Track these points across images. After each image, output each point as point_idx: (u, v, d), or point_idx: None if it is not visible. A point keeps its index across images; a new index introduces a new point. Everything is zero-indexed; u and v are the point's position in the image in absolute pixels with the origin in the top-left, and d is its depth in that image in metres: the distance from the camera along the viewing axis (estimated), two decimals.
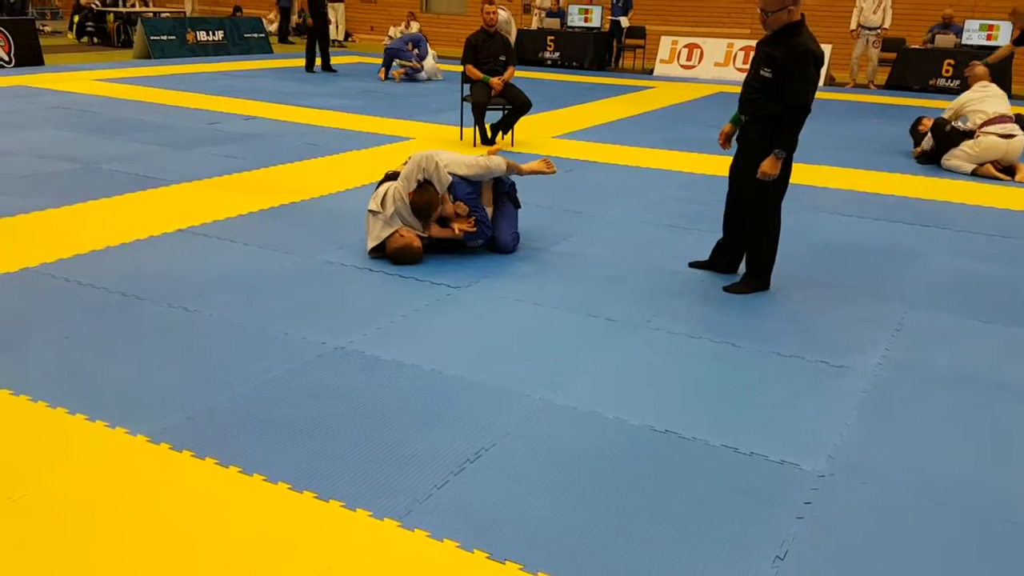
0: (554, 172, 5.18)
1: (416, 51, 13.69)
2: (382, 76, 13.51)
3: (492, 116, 8.15)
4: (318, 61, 14.05)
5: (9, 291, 4.05)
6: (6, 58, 13.08)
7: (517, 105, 7.93)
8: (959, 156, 7.56)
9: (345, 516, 2.42)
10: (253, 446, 2.77)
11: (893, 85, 14.08)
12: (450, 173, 4.65)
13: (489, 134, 8.13)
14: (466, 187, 4.71)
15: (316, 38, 13.96)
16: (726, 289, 4.36)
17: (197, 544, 2.28)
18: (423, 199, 4.52)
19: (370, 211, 4.64)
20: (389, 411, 3.04)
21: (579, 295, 4.25)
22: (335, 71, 14.14)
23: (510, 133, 8.22)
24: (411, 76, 13.58)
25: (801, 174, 7.26)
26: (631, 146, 8.41)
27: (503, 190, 4.96)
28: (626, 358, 3.57)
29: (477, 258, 4.76)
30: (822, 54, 3.96)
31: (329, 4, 19.12)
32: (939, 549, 2.40)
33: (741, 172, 4.28)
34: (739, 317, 4.04)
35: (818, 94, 10.78)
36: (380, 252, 4.62)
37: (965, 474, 2.78)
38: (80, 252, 4.61)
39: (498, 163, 4.82)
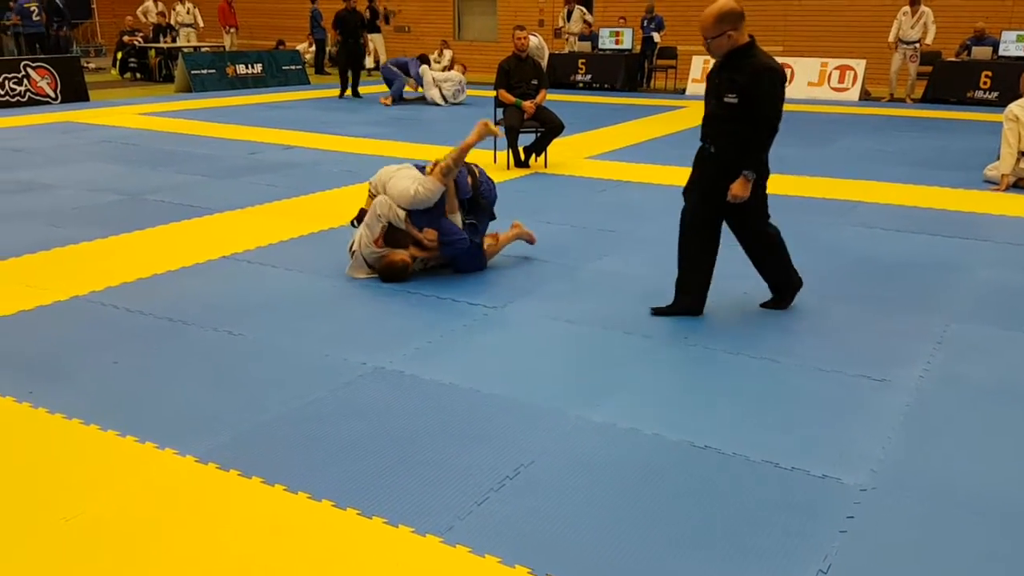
0: (498, 135, 5.18)
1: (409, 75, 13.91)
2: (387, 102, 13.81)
3: (525, 139, 8.23)
4: (348, 92, 14.46)
5: (61, 319, 4.17)
6: (53, 95, 13.49)
7: (550, 127, 8.01)
8: (996, 166, 7.45)
9: (388, 532, 2.46)
10: (297, 465, 2.82)
11: (930, 98, 13.94)
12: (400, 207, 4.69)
13: (523, 157, 8.21)
14: (422, 215, 4.71)
15: (348, 64, 14.33)
16: (764, 305, 4.34)
17: (245, 561, 2.33)
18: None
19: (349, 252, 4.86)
20: (428, 429, 3.08)
21: (615, 313, 4.27)
22: (360, 97, 14.51)
23: (543, 155, 8.29)
24: (402, 97, 13.96)
25: (839, 189, 7.23)
26: (664, 165, 8.42)
27: (479, 203, 4.96)
28: (664, 375, 3.58)
29: (512, 278, 4.80)
30: (783, 71, 3.84)
31: (368, 34, 19.53)
32: (983, 562, 2.36)
33: (732, 207, 4.06)
34: (778, 333, 4.02)
35: (855, 109, 10.69)
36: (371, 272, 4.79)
37: (1009, 487, 2.74)
38: (127, 280, 4.73)
39: (430, 188, 4.63)
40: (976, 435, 3.07)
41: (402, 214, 4.68)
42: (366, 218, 4.75)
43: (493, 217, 5.12)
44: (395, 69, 13.97)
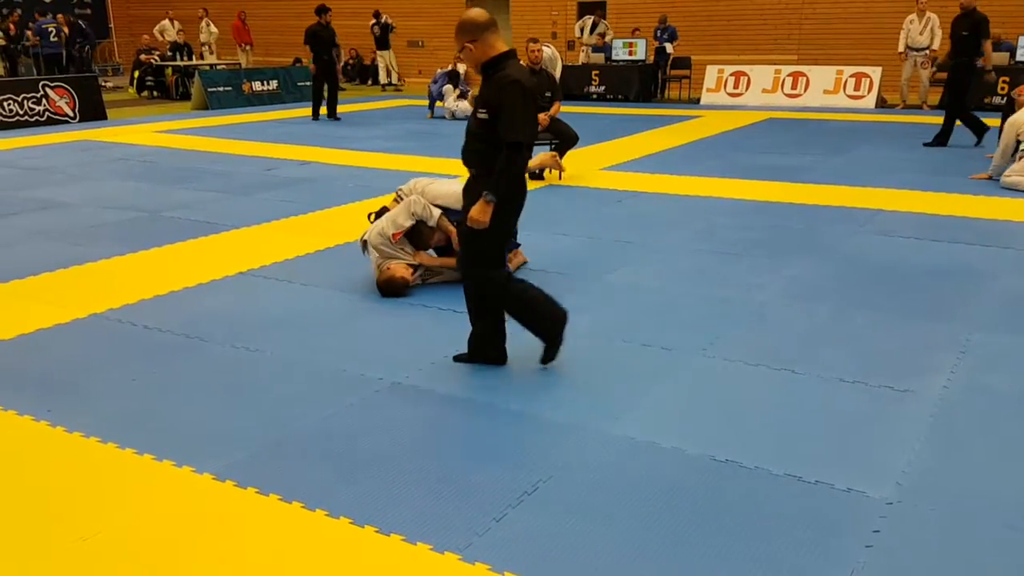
0: (562, 170, 5.09)
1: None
2: (429, 116, 13.86)
3: (539, 151, 8.22)
4: (323, 110, 13.37)
5: (79, 336, 4.19)
6: (71, 114, 13.64)
7: (564, 139, 8.00)
8: (1018, 172, 7.43)
9: (406, 550, 2.43)
10: (315, 481, 2.81)
11: (945, 105, 13.80)
12: (437, 205, 4.75)
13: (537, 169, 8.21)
14: (458, 214, 4.73)
15: (324, 84, 13.13)
16: (457, 358, 3.83)
17: None
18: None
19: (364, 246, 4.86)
20: (445, 445, 3.05)
21: (632, 325, 4.24)
22: (339, 119, 13.44)
23: None
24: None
25: (859, 197, 7.17)
26: (679, 175, 8.39)
27: None
28: (683, 387, 3.54)
29: None
30: (532, 86, 3.50)
31: (378, 52, 19.64)
32: (1012, 575, 2.31)
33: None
34: (798, 344, 3.98)
35: (872, 116, 10.60)
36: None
37: None
38: (145, 297, 4.75)
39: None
40: (1003, 446, 3.02)
41: (436, 212, 4.71)
42: (392, 211, 4.77)
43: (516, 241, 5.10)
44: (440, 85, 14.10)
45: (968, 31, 9.41)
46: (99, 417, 3.30)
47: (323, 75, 13.05)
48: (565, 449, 3.01)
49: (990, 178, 7.88)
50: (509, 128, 3.38)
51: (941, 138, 9.93)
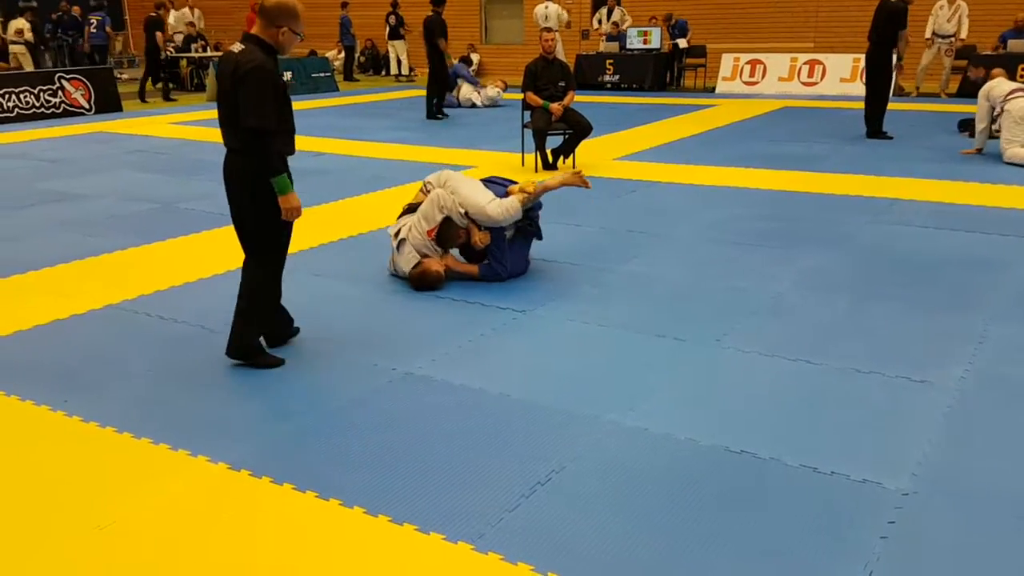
0: (588, 187, 5.05)
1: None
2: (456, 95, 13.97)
3: (553, 141, 8.20)
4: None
5: (94, 327, 4.22)
6: (87, 106, 13.72)
7: (578, 129, 7.97)
8: (1010, 142, 7.99)
9: (419, 540, 2.44)
10: (329, 471, 2.81)
11: (965, 93, 13.66)
12: (465, 214, 4.68)
13: (551, 159, 8.18)
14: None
15: (436, 83, 12.32)
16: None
17: (278, 568, 2.33)
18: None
19: (394, 238, 4.82)
20: (458, 435, 3.05)
21: (646, 315, 4.22)
22: (442, 117, 12.58)
23: (572, 157, 8.25)
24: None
25: (876, 186, 7.11)
26: (694, 164, 8.34)
27: (524, 223, 4.88)
28: (697, 378, 3.53)
29: (541, 282, 4.77)
30: (271, 68, 3.41)
31: (391, 42, 19.59)
32: None
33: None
34: (814, 335, 3.95)
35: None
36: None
37: None
38: (160, 288, 4.78)
39: (511, 209, 4.63)
40: (1020, 437, 2.98)
41: (463, 210, 4.69)
42: (422, 207, 4.74)
43: (540, 236, 5.07)
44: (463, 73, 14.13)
45: None
46: (114, 407, 3.32)
47: (436, 76, 12.16)
48: (578, 440, 3.00)
49: (979, 151, 8.53)
50: (245, 113, 3.38)
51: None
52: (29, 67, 16.39)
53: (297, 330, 4.00)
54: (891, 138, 9.76)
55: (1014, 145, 7.97)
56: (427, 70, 12.42)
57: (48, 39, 18.81)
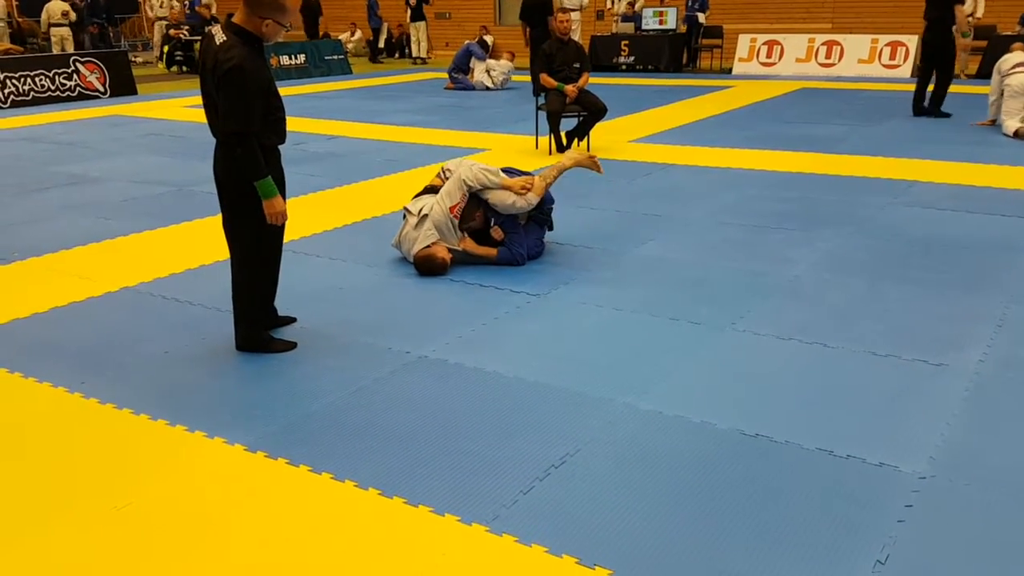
0: (601, 173, 5.04)
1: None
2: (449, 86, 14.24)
3: (568, 123, 8.15)
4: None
5: (111, 309, 4.24)
6: (102, 89, 13.75)
7: (593, 111, 7.91)
8: (1008, 114, 8.33)
9: (434, 521, 2.44)
10: (344, 453, 2.82)
11: (985, 74, 13.47)
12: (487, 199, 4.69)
13: (565, 141, 8.13)
14: (499, 216, 4.75)
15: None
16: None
17: (294, 549, 2.34)
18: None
19: (408, 216, 4.79)
20: (473, 418, 3.06)
21: (661, 299, 4.20)
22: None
23: (586, 139, 8.20)
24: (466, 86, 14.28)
25: (894, 168, 7.04)
26: (710, 146, 8.28)
27: (538, 212, 4.90)
28: (712, 361, 3.51)
29: (556, 265, 4.76)
30: (251, 67, 3.23)
31: (412, 24, 19.46)
32: None
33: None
34: (830, 318, 3.92)
35: (908, 86, 10.35)
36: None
37: None
38: (176, 271, 4.79)
39: (530, 201, 4.68)
40: None
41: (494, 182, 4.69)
42: (446, 186, 4.72)
43: (552, 226, 5.07)
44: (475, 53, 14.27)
45: None
46: (132, 389, 3.34)
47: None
48: (593, 423, 3.00)
49: (993, 122, 8.81)
50: (225, 116, 3.31)
51: None
52: (70, 48, 16.68)
53: (291, 319, 3.99)
54: (949, 115, 9.79)
55: (1011, 117, 8.32)
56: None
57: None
